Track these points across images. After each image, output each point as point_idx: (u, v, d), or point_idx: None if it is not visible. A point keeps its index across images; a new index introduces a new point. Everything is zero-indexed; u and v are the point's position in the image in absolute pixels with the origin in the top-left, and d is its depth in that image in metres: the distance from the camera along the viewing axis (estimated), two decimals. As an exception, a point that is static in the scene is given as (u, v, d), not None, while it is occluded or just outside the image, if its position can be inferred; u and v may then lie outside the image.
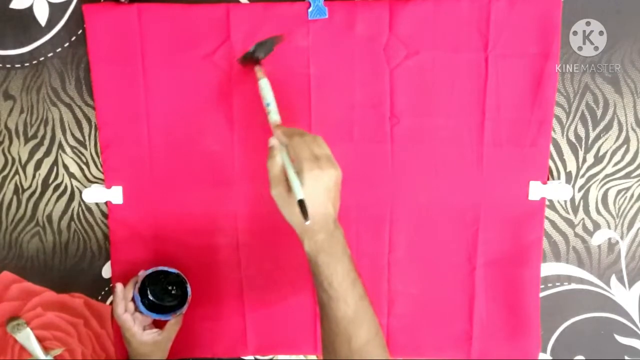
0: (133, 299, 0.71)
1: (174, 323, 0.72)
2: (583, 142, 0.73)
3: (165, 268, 0.71)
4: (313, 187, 0.58)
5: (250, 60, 0.68)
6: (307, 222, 0.57)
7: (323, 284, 0.59)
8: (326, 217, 0.59)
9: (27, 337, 0.78)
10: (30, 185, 0.76)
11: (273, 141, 0.62)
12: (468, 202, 0.73)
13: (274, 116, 0.65)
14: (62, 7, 0.72)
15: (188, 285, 0.71)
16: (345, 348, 0.58)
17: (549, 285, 0.76)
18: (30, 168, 0.76)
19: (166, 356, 0.73)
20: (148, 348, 0.71)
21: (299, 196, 0.58)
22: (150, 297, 0.72)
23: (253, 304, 0.76)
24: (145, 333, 0.70)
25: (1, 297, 0.78)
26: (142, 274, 0.71)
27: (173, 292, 0.73)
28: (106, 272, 0.78)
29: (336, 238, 0.60)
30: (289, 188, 0.59)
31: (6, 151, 0.75)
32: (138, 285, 0.70)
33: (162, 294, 0.72)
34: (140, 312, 0.70)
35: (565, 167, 0.73)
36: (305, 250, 0.60)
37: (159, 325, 0.73)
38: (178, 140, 0.73)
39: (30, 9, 0.72)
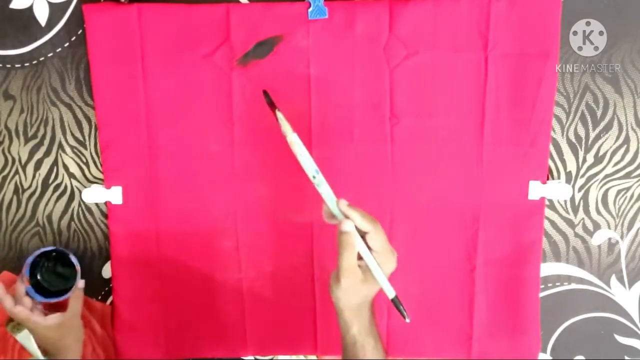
0: (28, 294, 0.70)
1: (74, 298, 0.70)
2: (583, 142, 0.73)
3: (42, 249, 0.71)
4: (389, 274, 0.59)
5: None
6: (408, 321, 0.58)
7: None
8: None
9: (27, 337, 0.78)
10: (30, 185, 0.76)
11: (350, 227, 0.55)
12: (468, 202, 0.73)
13: (329, 188, 0.58)
14: (62, 7, 0.72)
15: (72, 257, 0.71)
16: None
17: (549, 285, 0.76)
18: (30, 168, 0.76)
19: (82, 335, 0.71)
20: (57, 331, 0.69)
21: (393, 294, 0.58)
22: (43, 284, 0.73)
23: (253, 304, 0.76)
24: (48, 317, 0.68)
25: (1, 297, 0.78)
26: (26, 264, 0.71)
27: (62, 272, 0.74)
28: (106, 272, 0.78)
29: (372, 324, 0.61)
30: (363, 279, 0.57)
31: (6, 151, 0.75)
32: (27, 277, 0.70)
33: (54, 278, 0.73)
34: (38, 301, 0.70)
35: (565, 167, 0.73)
36: (350, 334, 0.59)
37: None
38: (178, 140, 0.73)
39: (30, 9, 0.72)
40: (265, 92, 0.62)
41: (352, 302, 0.58)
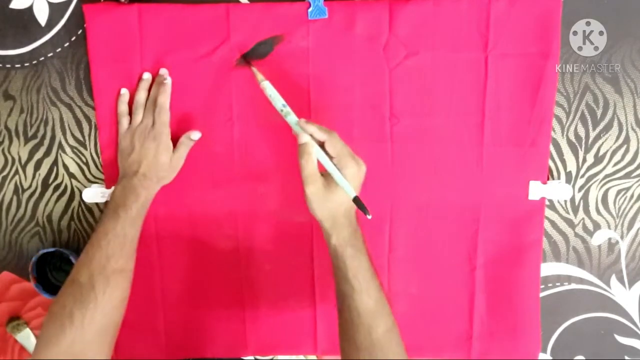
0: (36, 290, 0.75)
1: (183, 144, 0.71)
2: (583, 142, 0.73)
3: (44, 250, 0.74)
4: (356, 183, 0.61)
5: (249, 60, 0.68)
6: (370, 217, 0.59)
7: (348, 275, 0.60)
8: (353, 211, 0.62)
9: (27, 337, 0.78)
10: (30, 185, 0.76)
11: (306, 138, 0.61)
12: (468, 202, 0.73)
13: (292, 114, 0.65)
14: (62, 7, 0.72)
15: (72, 258, 0.73)
16: (367, 339, 0.59)
17: (549, 285, 0.76)
18: (30, 168, 0.76)
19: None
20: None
21: (352, 194, 0.60)
22: (52, 280, 0.77)
23: (253, 304, 0.76)
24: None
25: (1, 297, 0.78)
26: (32, 263, 0.74)
27: (69, 270, 0.76)
28: (106, 272, 0.78)
29: (359, 232, 0.63)
30: (326, 185, 0.61)
31: (6, 151, 0.75)
32: (33, 275, 0.74)
33: (62, 275, 0.77)
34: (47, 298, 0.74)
35: (565, 167, 0.73)
36: (331, 244, 0.62)
37: None
38: (178, 140, 0.73)
39: (30, 9, 0.72)
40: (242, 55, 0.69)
41: (324, 210, 0.61)
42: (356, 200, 0.60)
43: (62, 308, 0.59)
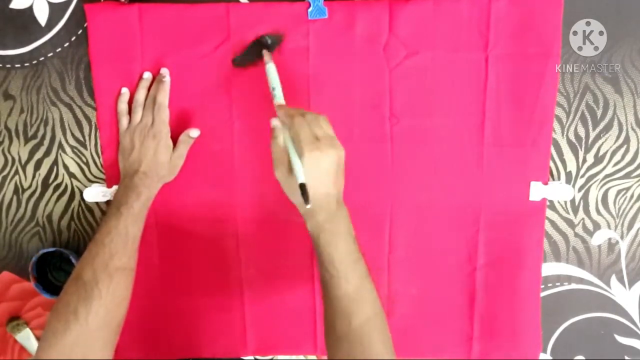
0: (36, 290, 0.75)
1: (183, 142, 0.72)
2: (583, 142, 0.73)
3: (45, 250, 0.74)
4: (313, 168, 0.58)
5: (259, 47, 0.69)
6: (308, 206, 0.58)
7: (324, 262, 0.59)
8: (328, 197, 0.59)
9: (27, 337, 0.78)
10: (30, 185, 0.76)
11: (275, 122, 0.62)
12: (468, 203, 0.73)
13: (279, 99, 0.65)
14: (62, 7, 0.72)
15: (72, 258, 0.73)
16: (345, 326, 0.57)
17: (549, 285, 0.76)
18: (30, 168, 0.76)
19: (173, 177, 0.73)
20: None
21: (300, 180, 0.58)
22: (52, 280, 0.77)
23: (253, 304, 0.76)
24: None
25: (1, 297, 0.78)
26: (32, 263, 0.74)
27: (69, 269, 0.77)
28: (106, 272, 0.78)
29: (338, 218, 0.60)
30: (291, 169, 0.60)
31: (6, 151, 0.75)
32: (33, 275, 0.74)
33: (62, 275, 0.78)
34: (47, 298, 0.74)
35: (565, 167, 0.73)
36: (307, 229, 0.61)
37: None
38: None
39: (30, 9, 0.72)
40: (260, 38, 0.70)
41: (295, 195, 0.60)
42: (301, 186, 0.58)
43: (66, 305, 0.59)
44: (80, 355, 0.57)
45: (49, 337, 0.57)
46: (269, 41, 0.69)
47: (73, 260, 0.73)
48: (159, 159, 0.69)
